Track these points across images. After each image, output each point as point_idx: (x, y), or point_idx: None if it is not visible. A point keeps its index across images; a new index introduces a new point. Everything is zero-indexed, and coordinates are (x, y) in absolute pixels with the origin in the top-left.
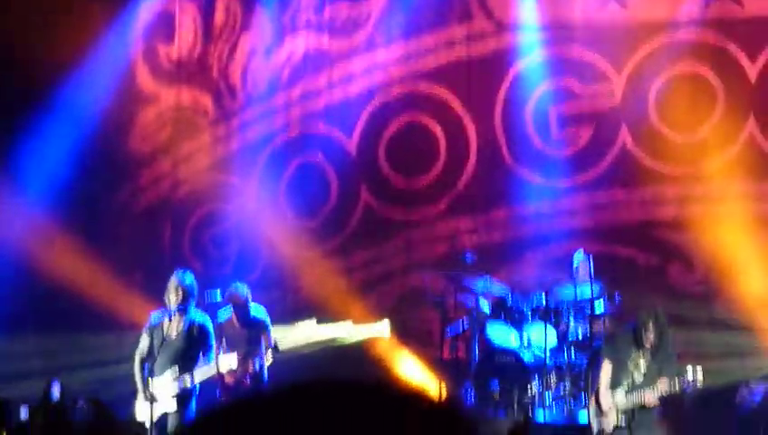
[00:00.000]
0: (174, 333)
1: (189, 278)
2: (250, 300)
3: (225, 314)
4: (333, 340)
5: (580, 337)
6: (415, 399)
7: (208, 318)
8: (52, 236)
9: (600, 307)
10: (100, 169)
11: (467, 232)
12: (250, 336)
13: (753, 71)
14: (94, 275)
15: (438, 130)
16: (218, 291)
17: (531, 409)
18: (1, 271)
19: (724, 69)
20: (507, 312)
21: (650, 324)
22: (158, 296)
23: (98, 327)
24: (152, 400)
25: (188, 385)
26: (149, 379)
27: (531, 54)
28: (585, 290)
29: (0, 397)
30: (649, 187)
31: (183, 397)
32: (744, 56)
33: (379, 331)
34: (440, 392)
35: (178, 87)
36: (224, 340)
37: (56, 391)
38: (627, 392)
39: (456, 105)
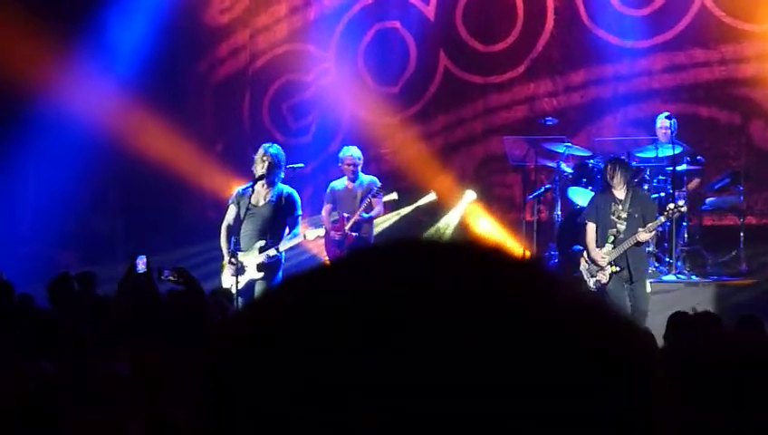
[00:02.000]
0: (261, 202)
1: (275, 149)
2: (360, 164)
3: (341, 181)
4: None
5: (663, 197)
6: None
7: (295, 191)
8: (135, 112)
9: (682, 167)
10: (179, 42)
11: (546, 95)
12: (361, 197)
13: None
14: (176, 148)
15: None
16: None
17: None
18: (86, 148)
19: None
20: (588, 174)
21: (612, 170)
22: (238, 168)
23: (181, 201)
24: (238, 269)
25: (276, 253)
26: (235, 251)
27: None
28: (667, 150)
29: (88, 271)
30: (729, 45)
31: (270, 265)
32: None
33: (466, 200)
34: (524, 253)
35: None
36: (335, 204)
37: (141, 265)
38: (614, 244)
39: None
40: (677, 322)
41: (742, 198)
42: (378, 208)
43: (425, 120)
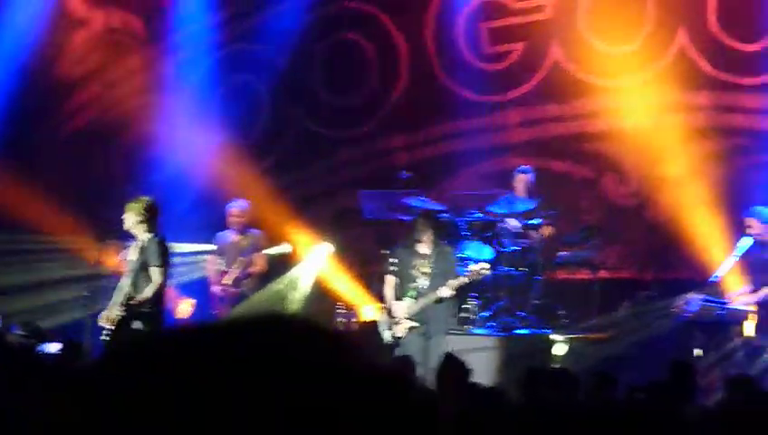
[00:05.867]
0: (134, 257)
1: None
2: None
3: (227, 234)
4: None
5: (516, 251)
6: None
7: (158, 238)
8: None
9: (535, 221)
10: (31, 94)
11: (401, 149)
12: (245, 252)
13: None
14: (28, 199)
15: (370, 48)
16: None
17: (469, 323)
18: None
19: None
20: (443, 229)
21: (422, 225)
22: (91, 220)
23: (35, 253)
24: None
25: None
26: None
27: None
28: (520, 205)
29: None
30: (582, 100)
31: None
32: None
33: (320, 252)
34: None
35: (108, 9)
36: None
37: None
38: (415, 299)
39: (387, 22)
40: (535, 378)
41: (595, 252)
42: (260, 264)
43: (279, 174)
